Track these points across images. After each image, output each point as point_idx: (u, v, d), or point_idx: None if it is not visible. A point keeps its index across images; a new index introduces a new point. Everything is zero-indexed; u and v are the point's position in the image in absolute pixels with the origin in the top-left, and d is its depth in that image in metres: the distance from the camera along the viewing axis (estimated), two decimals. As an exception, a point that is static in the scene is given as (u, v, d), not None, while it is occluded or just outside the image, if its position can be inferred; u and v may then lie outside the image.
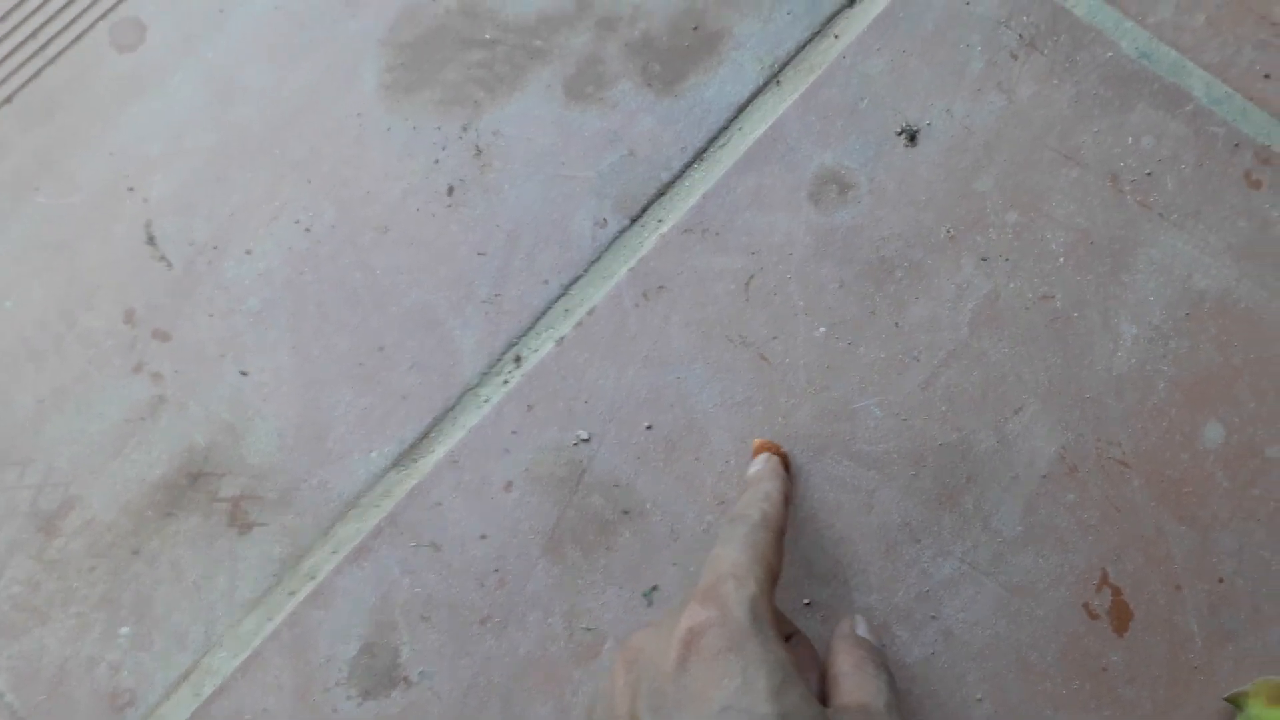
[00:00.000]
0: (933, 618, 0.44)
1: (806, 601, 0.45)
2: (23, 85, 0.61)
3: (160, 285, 0.54)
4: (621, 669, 0.35)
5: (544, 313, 0.52)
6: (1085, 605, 0.44)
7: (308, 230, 0.54)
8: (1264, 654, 0.43)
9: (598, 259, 0.52)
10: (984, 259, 0.49)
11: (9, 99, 0.59)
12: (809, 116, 0.53)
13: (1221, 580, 0.43)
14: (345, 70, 0.58)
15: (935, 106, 0.53)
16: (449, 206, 0.54)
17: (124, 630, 0.48)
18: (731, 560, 0.36)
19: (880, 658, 0.38)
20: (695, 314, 0.50)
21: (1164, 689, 0.42)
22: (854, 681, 0.36)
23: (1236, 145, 0.50)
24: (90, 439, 0.52)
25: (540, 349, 0.51)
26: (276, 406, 0.51)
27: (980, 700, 0.42)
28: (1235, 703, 0.40)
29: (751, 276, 0.50)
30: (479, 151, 0.55)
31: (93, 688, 0.47)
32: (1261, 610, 0.43)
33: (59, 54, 0.59)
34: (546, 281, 0.52)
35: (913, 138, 0.52)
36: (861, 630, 0.40)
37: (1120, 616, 0.43)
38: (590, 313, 0.51)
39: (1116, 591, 0.44)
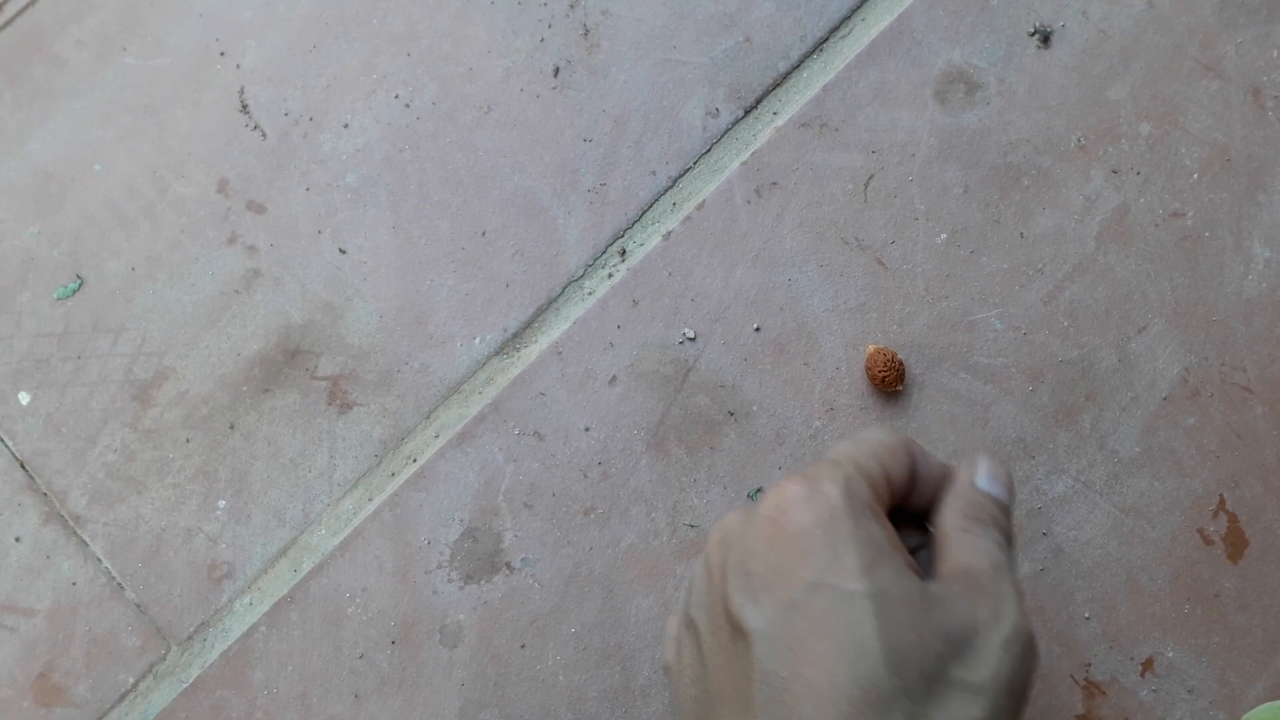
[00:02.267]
0: (1044, 534, 0.43)
1: (916, 511, 0.44)
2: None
3: (254, 155, 0.53)
4: (715, 547, 0.34)
5: (651, 205, 0.50)
6: (1200, 531, 0.43)
7: (407, 106, 0.52)
8: (1376, 589, 0.42)
9: (708, 151, 0.50)
10: (1115, 171, 0.47)
11: (96, -49, 0.57)
12: (937, 10, 0.50)
13: (1343, 513, 0.43)
14: (444, -62, 0.55)
15: (1070, 7, 0.50)
16: (554, 88, 0.52)
17: (221, 503, 0.48)
18: (836, 450, 0.34)
19: (992, 510, 0.33)
20: (809, 213, 0.48)
21: (1276, 619, 0.42)
22: (958, 544, 0.32)
23: (1393, 63, 0.47)
24: (184, 309, 0.51)
25: (646, 243, 0.49)
26: (376, 287, 0.50)
27: (1088, 619, 0.42)
28: (1351, 635, 0.40)
29: (871, 176, 0.49)
30: (587, 31, 0.53)
31: (190, 558, 0.48)
32: (1378, 545, 0.42)
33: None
34: (654, 172, 0.50)
35: (1046, 39, 0.49)
36: (982, 480, 0.34)
37: (1235, 544, 0.43)
38: (699, 207, 0.49)
39: (1233, 519, 0.43)
